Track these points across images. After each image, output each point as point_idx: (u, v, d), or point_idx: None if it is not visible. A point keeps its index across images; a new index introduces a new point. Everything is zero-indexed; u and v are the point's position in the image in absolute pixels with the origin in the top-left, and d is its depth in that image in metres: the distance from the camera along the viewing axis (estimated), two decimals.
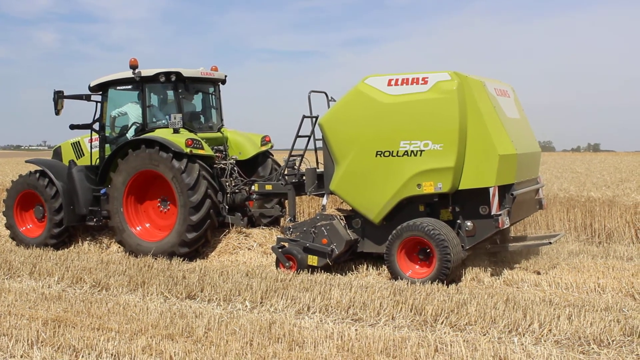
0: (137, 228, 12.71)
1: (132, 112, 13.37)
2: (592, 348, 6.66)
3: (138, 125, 13.19)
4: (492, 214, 9.72)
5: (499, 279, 10.01)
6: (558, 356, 6.41)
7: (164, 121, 13.02)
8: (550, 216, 14.23)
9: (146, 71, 12.91)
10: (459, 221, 10.11)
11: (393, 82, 10.22)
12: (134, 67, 12.83)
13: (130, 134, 13.26)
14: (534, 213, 12.69)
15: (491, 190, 9.70)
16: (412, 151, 10.01)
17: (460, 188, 9.92)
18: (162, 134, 12.41)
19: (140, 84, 13.00)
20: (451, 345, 6.71)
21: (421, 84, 10.06)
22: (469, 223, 10.02)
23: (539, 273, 10.25)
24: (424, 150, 9.93)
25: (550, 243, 10.78)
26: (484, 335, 7.13)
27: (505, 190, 9.90)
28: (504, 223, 9.72)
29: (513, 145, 9.86)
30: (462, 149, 9.84)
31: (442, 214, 10.25)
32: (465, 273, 10.21)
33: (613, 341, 6.77)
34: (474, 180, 9.84)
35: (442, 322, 7.55)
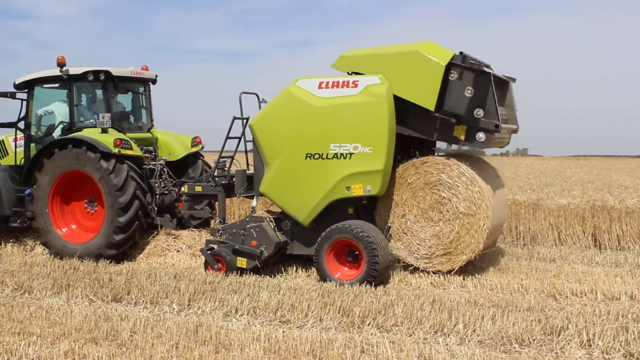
0: (63, 229, 12.44)
1: (59, 110, 13.11)
2: (514, 347, 6.82)
3: (65, 124, 12.94)
4: None
5: (426, 280, 10.14)
6: (481, 356, 6.54)
7: (92, 121, 12.79)
8: None
9: (74, 69, 12.67)
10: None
11: (324, 85, 10.28)
12: (61, 65, 12.58)
13: (57, 133, 13.00)
14: None
15: None
16: (341, 154, 10.08)
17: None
18: (90, 133, 12.19)
19: (68, 82, 12.74)
20: (377, 346, 6.78)
21: (351, 87, 10.14)
22: (481, 134, 9.92)
23: (465, 274, 10.42)
24: (353, 153, 10.02)
25: None
26: (410, 336, 7.22)
27: None
28: None
29: None
30: (391, 152, 9.97)
31: None
32: (393, 275, 10.32)
33: (534, 340, 6.94)
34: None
35: (369, 324, 7.61)
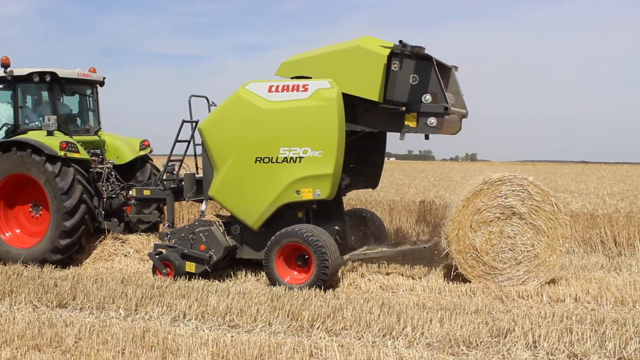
0: (7, 234, 12.18)
1: (3, 112, 12.86)
2: (462, 349, 6.88)
3: (9, 126, 12.69)
4: None
5: (375, 284, 10.18)
6: (429, 358, 6.60)
7: (37, 123, 12.56)
8: (425, 223, 14.62)
9: (19, 70, 12.42)
10: None
11: (274, 89, 10.25)
12: (5, 65, 12.34)
13: (0, 136, 12.70)
14: None
15: None
16: (291, 158, 10.07)
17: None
18: (35, 136, 11.97)
19: (12, 83, 12.49)
20: (326, 349, 6.77)
21: (301, 91, 10.13)
22: (432, 119, 9.92)
23: (414, 278, 10.49)
24: (303, 157, 10.01)
25: (425, 248, 11.04)
26: (359, 339, 7.24)
27: None
28: None
29: None
30: (341, 156, 9.99)
31: None
32: (342, 279, 10.34)
33: (481, 342, 7.01)
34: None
35: (318, 327, 7.60)
